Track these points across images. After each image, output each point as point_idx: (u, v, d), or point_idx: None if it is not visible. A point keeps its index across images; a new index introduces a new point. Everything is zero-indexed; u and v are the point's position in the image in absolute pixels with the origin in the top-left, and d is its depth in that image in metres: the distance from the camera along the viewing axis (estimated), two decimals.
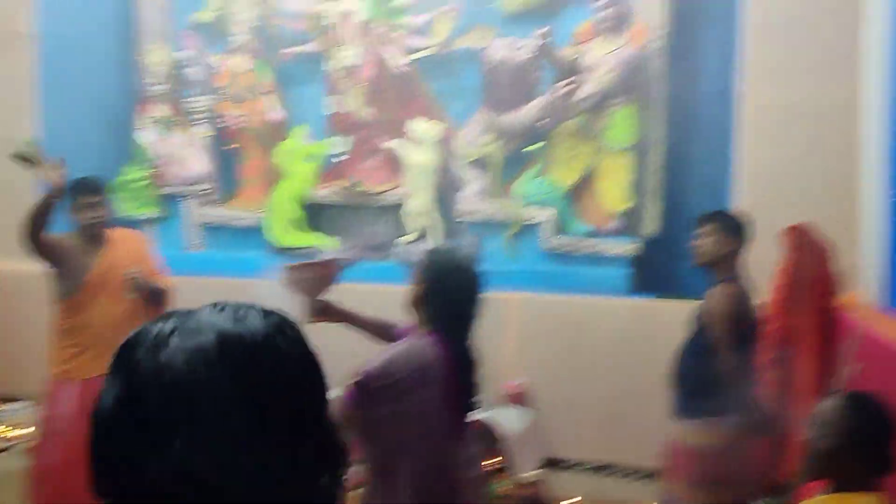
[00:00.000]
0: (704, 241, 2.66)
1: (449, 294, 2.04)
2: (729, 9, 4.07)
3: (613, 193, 4.37)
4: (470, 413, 2.12)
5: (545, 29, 4.21)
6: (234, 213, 4.93)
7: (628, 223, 4.42)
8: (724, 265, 2.65)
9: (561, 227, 4.44)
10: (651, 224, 4.40)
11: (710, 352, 2.52)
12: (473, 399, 2.12)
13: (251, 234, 4.91)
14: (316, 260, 2.44)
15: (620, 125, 4.31)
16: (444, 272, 2.07)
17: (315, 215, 4.92)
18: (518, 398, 3.98)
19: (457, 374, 2.02)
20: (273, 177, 4.94)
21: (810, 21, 3.70)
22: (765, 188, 3.80)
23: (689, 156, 4.33)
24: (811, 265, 3.03)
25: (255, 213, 4.92)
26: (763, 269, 3.25)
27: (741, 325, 2.55)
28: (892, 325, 2.59)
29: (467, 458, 2.09)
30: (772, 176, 3.80)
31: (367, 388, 1.92)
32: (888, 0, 3.04)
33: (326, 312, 2.29)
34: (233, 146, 5.02)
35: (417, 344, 2.01)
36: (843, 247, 3.25)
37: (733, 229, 2.68)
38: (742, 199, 3.79)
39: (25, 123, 4.83)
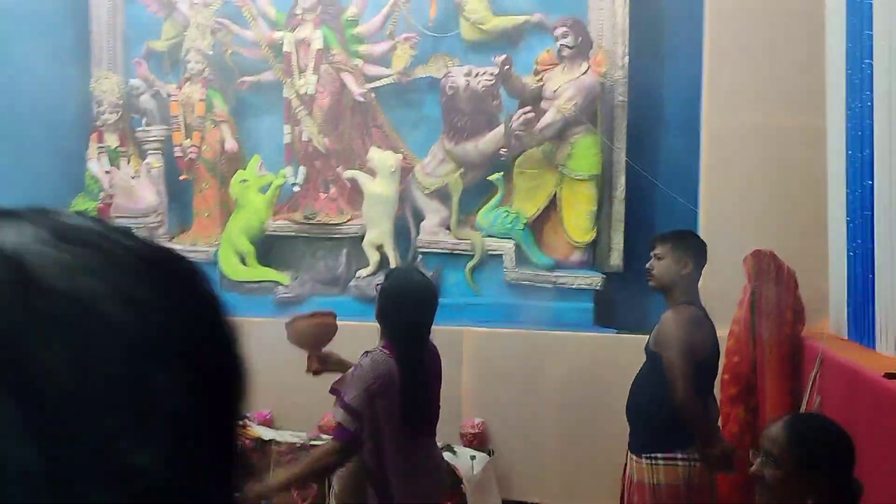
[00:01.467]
0: (659, 264, 2.54)
1: (402, 309, 2.28)
2: (692, 35, 4.07)
3: (576, 224, 4.32)
4: (427, 427, 2.33)
5: (504, 56, 4.20)
6: (185, 246, 4.85)
7: (591, 255, 4.37)
8: (680, 289, 2.52)
9: (523, 259, 4.37)
10: (615, 256, 4.34)
11: (665, 382, 2.37)
12: (429, 414, 2.34)
13: (203, 268, 4.78)
14: (315, 312, 2.54)
15: (583, 154, 4.28)
16: (398, 288, 2.31)
17: (269, 248, 4.86)
18: (476, 439, 3.83)
19: (410, 386, 2.23)
20: (227, 209, 4.89)
21: (775, 46, 3.71)
22: (730, 218, 3.73)
23: (653, 186, 4.27)
24: (774, 293, 2.94)
25: (206, 246, 4.87)
26: (729, 298, 3.17)
27: (698, 353, 2.41)
28: (857, 354, 2.48)
29: (429, 468, 2.31)
30: (738, 205, 3.74)
31: (368, 393, 2.17)
32: (845, 26, 3.02)
33: (326, 363, 2.44)
34: (185, 177, 4.97)
35: (378, 356, 2.26)
36: (810, 275, 3.19)
37: (689, 250, 2.56)
38: (708, 228, 3.71)
39: None
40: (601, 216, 4.33)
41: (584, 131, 4.25)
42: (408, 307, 2.28)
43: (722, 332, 2.77)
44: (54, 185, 5.01)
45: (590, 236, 4.30)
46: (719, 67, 3.88)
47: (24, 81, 4.94)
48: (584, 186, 4.30)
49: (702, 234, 3.15)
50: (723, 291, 3.15)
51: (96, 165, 5.00)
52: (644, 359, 2.58)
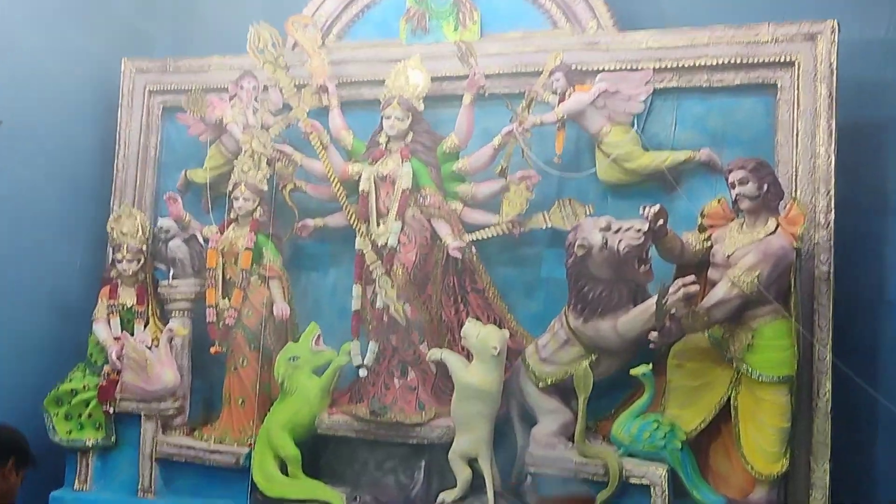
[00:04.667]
0: None
1: None
2: None
3: (759, 447, 4.12)
4: None
5: (657, 207, 4.17)
6: (209, 444, 4.88)
7: (782, 494, 4.16)
8: None
9: (680, 492, 4.17)
10: (817, 497, 4.12)
11: None
12: None
13: (229, 476, 4.79)
14: None
15: (769, 346, 4.12)
16: None
17: (321, 452, 4.82)
18: None
19: None
20: (268, 395, 4.92)
21: None
22: None
23: (872, 397, 4.06)
24: None
25: (236, 445, 4.86)
26: None
27: None
28: None
29: None
30: None
31: None
32: None
33: None
34: (217, 350, 5.03)
35: None
36: None
37: None
38: None
39: None
40: (796, 436, 4.13)
41: (771, 314, 4.11)
42: None
43: None
44: (50, 351, 5.20)
45: (779, 466, 4.08)
46: None
47: (25, 216, 5.23)
48: (772, 392, 4.11)
49: None
50: None
51: (104, 329, 5.11)
52: None
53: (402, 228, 4.84)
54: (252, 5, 5.26)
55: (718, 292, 4.15)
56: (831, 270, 4.26)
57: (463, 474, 4.46)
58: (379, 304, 4.80)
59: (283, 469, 4.73)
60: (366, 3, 5.32)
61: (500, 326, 4.61)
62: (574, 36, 4.89)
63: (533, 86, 4.75)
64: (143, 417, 4.97)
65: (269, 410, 4.84)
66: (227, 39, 5.41)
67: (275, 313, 4.98)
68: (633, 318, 4.27)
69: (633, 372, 4.28)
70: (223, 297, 5.04)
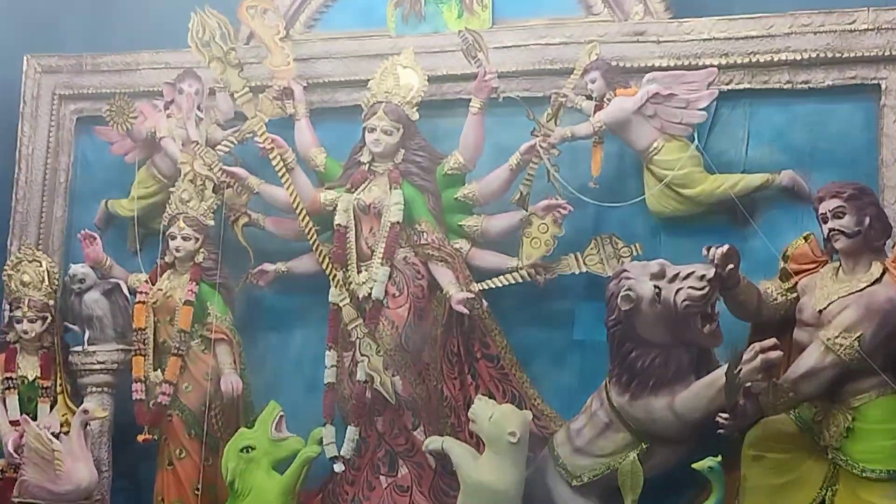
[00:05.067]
0: None
1: None
2: None
3: None
4: None
5: (725, 248, 4.14)
6: None
7: None
8: None
9: None
10: None
11: None
12: None
13: None
14: None
15: (875, 432, 4.07)
16: None
17: None
18: None
19: None
20: (214, 496, 4.89)
21: None
22: None
23: None
24: None
25: None
26: None
27: None
28: None
29: None
30: None
31: None
32: None
33: None
34: (147, 438, 5.01)
35: None
36: None
37: None
38: None
39: None
40: None
41: (878, 389, 4.07)
42: None
43: None
44: None
45: None
46: None
47: None
48: (880, 493, 4.06)
49: None
50: None
51: None
52: None
53: (391, 275, 4.82)
54: None
55: (808, 360, 4.11)
56: None
57: None
58: (360, 375, 4.78)
59: None
60: None
61: (519, 406, 4.61)
62: (615, 24, 4.93)
63: (561, 88, 4.78)
64: None
65: None
66: (161, 30, 5.46)
67: (222, 388, 4.94)
68: (696, 395, 4.23)
69: (696, 466, 4.26)
70: (155, 368, 5.02)
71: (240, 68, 5.12)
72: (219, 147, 5.16)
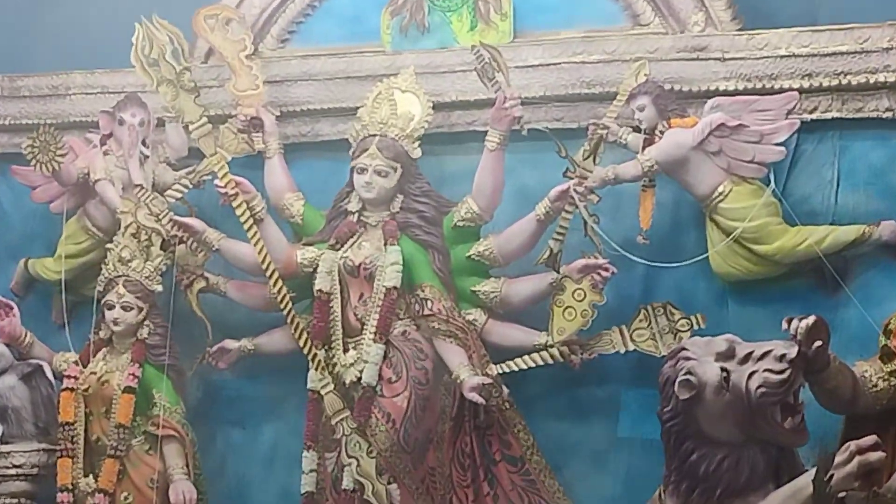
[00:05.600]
0: None
1: None
2: None
3: None
4: None
5: (811, 320, 4.13)
6: None
7: None
8: None
9: None
10: None
11: None
12: None
13: None
14: None
15: None
16: None
17: None
18: None
19: None
20: None
21: None
22: None
23: None
24: None
25: None
26: None
27: None
28: None
29: None
30: None
31: None
32: None
33: None
34: None
35: None
36: None
37: None
38: None
39: None
40: None
41: None
42: None
43: None
44: None
45: None
46: None
47: None
48: None
49: None
50: None
51: None
52: None
53: (387, 355, 4.83)
54: None
55: None
56: None
57: None
58: (347, 483, 4.79)
59: None
60: None
61: None
62: (668, 37, 4.96)
63: (601, 118, 4.80)
64: None
65: None
66: (98, 45, 5.51)
67: (172, 500, 4.95)
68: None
69: None
70: (86, 474, 5.03)
71: (196, 93, 5.12)
72: (169, 192, 5.19)
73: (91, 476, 5.00)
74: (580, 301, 4.72)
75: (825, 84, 4.69)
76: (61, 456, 5.05)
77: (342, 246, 4.96)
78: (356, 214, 4.97)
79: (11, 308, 5.18)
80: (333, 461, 4.85)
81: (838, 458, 4.01)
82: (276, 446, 5.20)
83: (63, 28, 5.73)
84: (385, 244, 4.88)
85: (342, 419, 4.81)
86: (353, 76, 5.19)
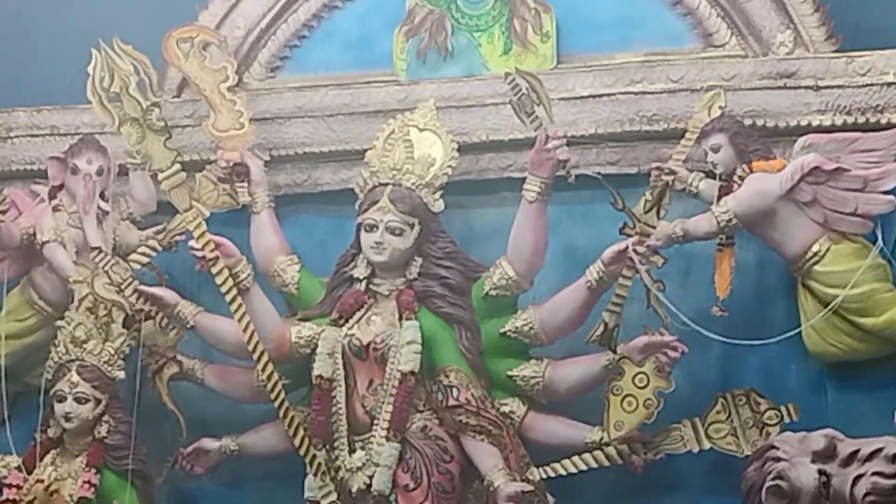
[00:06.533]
0: None
1: None
2: None
3: None
4: None
5: None
6: None
7: None
8: None
9: None
10: None
11: None
12: None
13: None
14: None
15: None
16: None
17: None
18: None
19: None
20: None
21: None
22: None
23: None
24: None
25: None
26: None
27: None
28: None
29: None
30: None
31: None
32: None
33: None
34: None
35: None
36: None
37: None
38: None
39: None
40: None
41: None
42: None
43: None
44: None
45: None
46: None
47: None
48: None
49: None
50: None
51: None
52: None
53: (403, 456, 4.81)
54: (98, 9, 5.30)
55: None
56: None
57: None
58: None
59: None
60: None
61: None
62: (749, 60, 5.00)
63: (666, 161, 4.80)
64: None
65: None
66: (46, 77, 5.52)
67: None
68: None
69: None
70: None
71: (166, 134, 5.12)
72: (133, 257, 5.20)
73: None
74: (642, 388, 4.71)
75: None
76: None
77: (346, 321, 4.95)
78: (364, 282, 4.98)
79: None
80: None
81: None
82: None
83: (2, 56, 5.74)
84: (400, 319, 4.87)
85: None
86: (359, 112, 5.21)
